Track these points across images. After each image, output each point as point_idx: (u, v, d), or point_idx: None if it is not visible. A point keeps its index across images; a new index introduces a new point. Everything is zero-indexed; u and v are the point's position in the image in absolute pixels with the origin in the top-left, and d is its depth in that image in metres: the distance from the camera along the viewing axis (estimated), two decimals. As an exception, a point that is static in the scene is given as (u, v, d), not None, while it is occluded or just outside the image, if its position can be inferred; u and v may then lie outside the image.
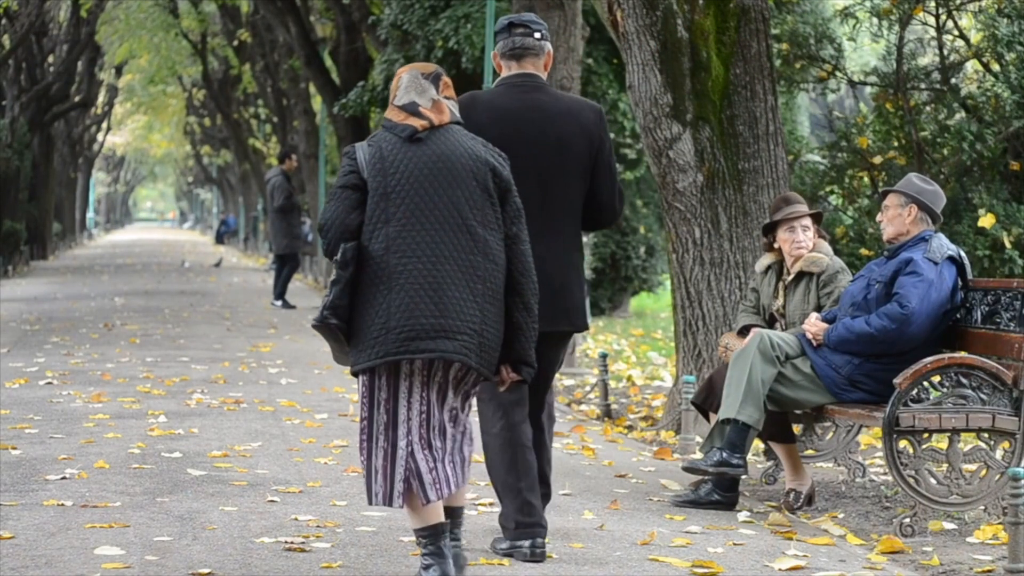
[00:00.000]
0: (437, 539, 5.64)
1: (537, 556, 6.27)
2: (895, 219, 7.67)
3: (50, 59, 41.05)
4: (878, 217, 7.84)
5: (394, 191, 5.68)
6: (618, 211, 6.70)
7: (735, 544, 6.75)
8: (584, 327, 6.67)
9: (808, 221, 8.21)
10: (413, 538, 6.36)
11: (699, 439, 9.47)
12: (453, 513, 5.86)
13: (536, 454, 6.46)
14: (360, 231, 5.68)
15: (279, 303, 22.52)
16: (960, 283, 7.56)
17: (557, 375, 14.23)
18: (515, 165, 6.14)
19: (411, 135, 5.74)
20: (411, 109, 5.79)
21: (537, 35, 6.56)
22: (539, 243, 6.26)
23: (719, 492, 7.69)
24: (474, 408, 5.98)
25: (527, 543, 6.28)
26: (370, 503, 5.67)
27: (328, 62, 31.70)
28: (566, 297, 6.48)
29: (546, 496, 6.53)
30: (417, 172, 5.70)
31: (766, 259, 8.38)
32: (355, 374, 5.69)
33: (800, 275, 8.18)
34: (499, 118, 6.43)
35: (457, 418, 5.75)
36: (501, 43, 6.59)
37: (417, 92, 5.82)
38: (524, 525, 6.29)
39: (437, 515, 5.64)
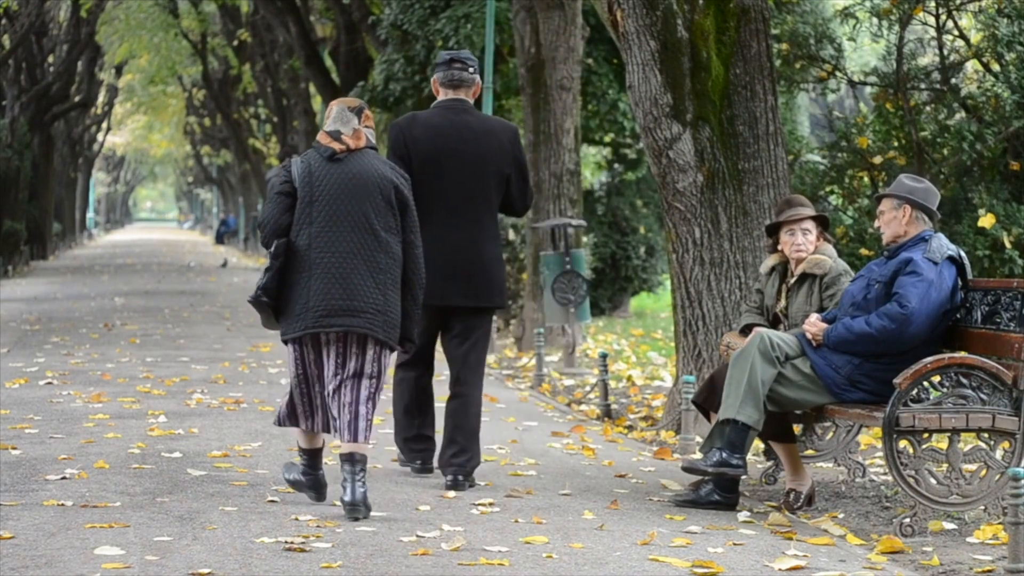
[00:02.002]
0: (317, 459, 7.50)
1: (427, 470, 8.19)
2: (891, 222, 7.67)
3: (50, 59, 41.05)
4: (876, 223, 7.84)
5: (317, 200, 7.23)
6: (528, 207, 8.38)
7: (735, 544, 6.75)
8: (502, 305, 8.23)
9: (810, 224, 8.21)
10: (411, 537, 6.67)
11: (699, 439, 9.47)
12: (355, 459, 7.18)
13: (463, 407, 8.07)
14: (290, 229, 7.25)
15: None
16: (960, 283, 7.55)
17: (557, 375, 14.30)
18: (447, 174, 8.00)
19: (331, 156, 7.28)
20: (335, 135, 7.33)
21: (471, 70, 8.18)
22: (466, 237, 8.03)
23: (719, 492, 7.68)
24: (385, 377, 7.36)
25: (418, 462, 8.21)
26: (281, 425, 7.48)
27: (328, 62, 31.70)
28: (488, 281, 8.09)
29: (466, 451, 8.00)
30: (336, 186, 7.24)
31: (770, 260, 8.38)
32: (285, 342, 7.36)
33: (803, 277, 8.18)
34: (434, 135, 8.06)
35: (371, 375, 7.26)
36: (441, 73, 8.17)
37: (342, 122, 7.35)
38: (417, 451, 8.21)
39: (319, 441, 7.49)
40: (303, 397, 7.40)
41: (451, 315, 8.11)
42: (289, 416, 7.46)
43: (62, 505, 7.21)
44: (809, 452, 8.50)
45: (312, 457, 7.51)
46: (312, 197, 7.23)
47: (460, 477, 7.91)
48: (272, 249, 7.24)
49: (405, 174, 7.45)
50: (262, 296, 7.24)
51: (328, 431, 7.41)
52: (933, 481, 7.11)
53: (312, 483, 7.49)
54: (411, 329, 7.40)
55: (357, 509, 7.10)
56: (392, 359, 7.31)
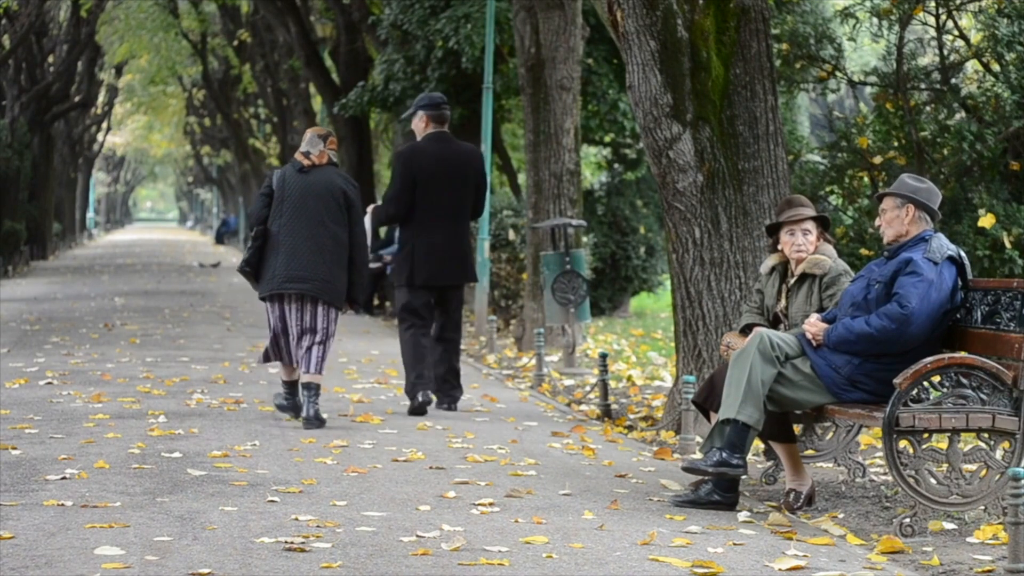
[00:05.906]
0: (294, 389, 10.46)
1: (426, 399, 10.87)
2: (893, 221, 7.67)
3: (50, 59, 41.03)
4: (876, 222, 7.83)
5: (286, 199, 10.31)
6: (482, 210, 11.51)
7: (735, 544, 6.75)
8: (474, 279, 11.49)
9: (810, 224, 8.20)
10: (411, 538, 6.66)
11: (699, 439, 9.46)
12: (311, 387, 10.17)
13: (448, 354, 11.19)
14: (267, 219, 10.34)
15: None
16: (960, 283, 7.55)
17: (557, 375, 14.32)
18: (443, 190, 11.03)
19: (300, 168, 10.35)
20: (306, 154, 10.38)
21: (448, 109, 11.32)
22: (450, 232, 11.07)
23: (719, 492, 7.68)
24: (336, 324, 10.36)
25: (420, 394, 10.86)
26: (265, 361, 10.51)
27: (328, 62, 31.68)
28: (463, 263, 11.20)
29: (457, 387, 11.29)
30: (301, 190, 10.31)
31: (771, 260, 8.38)
32: (262, 299, 10.34)
33: (803, 277, 8.18)
34: (434, 161, 11.05)
35: (322, 328, 10.25)
36: (433, 112, 11.18)
37: (312, 145, 10.42)
38: (420, 385, 10.92)
39: (295, 375, 10.43)
40: (275, 342, 10.35)
41: (443, 288, 11.16)
42: (267, 354, 10.41)
43: (62, 505, 7.21)
44: (809, 452, 8.50)
45: (290, 387, 10.47)
46: (283, 197, 10.29)
47: (451, 404, 11.20)
48: (253, 233, 10.38)
49: (355, 183, 10.52)
50: (245, 267, 10.37)
51: (293, 365, 10.31)
52: (933, 481, 7.11)
53: (291, 406, 10.43)
54: (357, 296, 10.44)
55: (311, 422, 10.06)
56: (337, 316, 10.32)
